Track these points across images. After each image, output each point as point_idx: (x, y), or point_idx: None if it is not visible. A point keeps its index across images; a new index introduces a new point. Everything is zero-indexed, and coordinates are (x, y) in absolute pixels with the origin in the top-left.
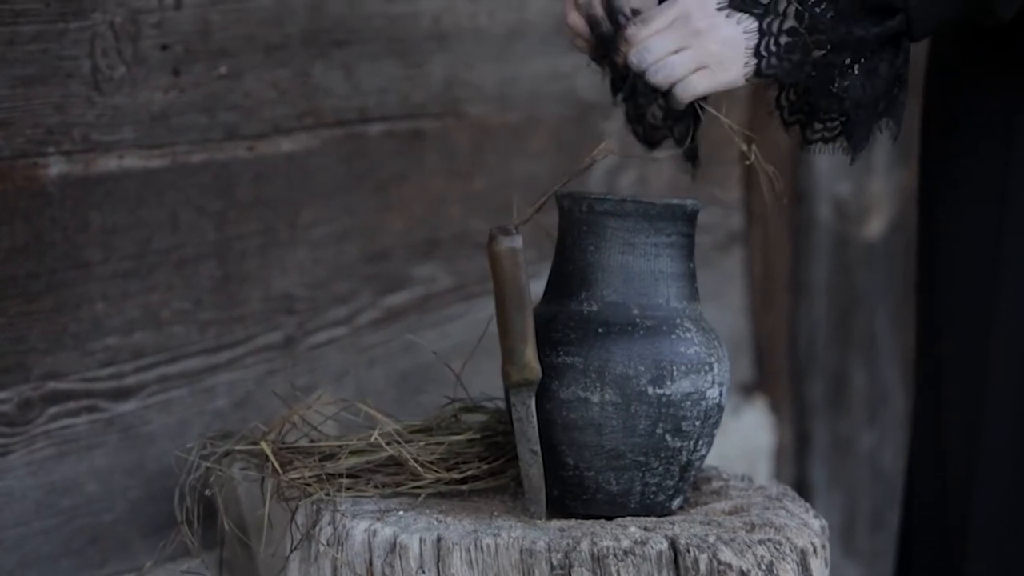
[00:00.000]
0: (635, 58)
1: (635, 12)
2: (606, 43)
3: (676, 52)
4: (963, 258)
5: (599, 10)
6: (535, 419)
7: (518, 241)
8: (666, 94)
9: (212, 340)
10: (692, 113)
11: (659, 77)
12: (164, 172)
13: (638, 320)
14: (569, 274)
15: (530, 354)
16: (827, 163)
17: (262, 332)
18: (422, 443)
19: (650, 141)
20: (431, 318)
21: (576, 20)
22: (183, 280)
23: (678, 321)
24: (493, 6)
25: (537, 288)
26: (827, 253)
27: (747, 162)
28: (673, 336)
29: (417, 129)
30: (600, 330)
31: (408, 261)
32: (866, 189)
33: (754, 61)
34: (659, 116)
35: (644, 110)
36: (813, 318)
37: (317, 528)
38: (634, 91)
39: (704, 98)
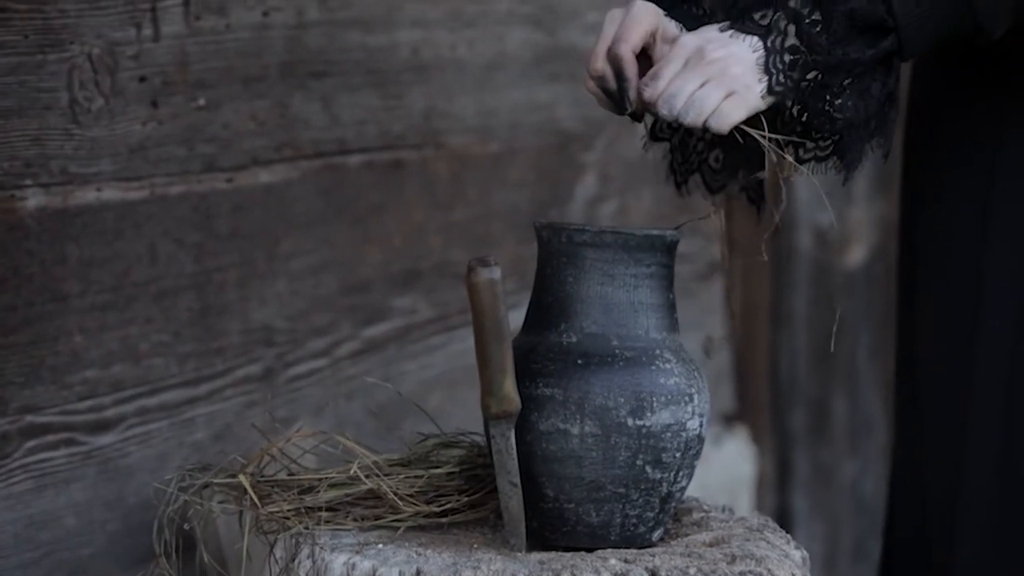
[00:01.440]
0: (664, 109)
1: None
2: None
3: (701, 87)
4: (944, 287)
5: (609, 72)
6: (515, 451)
7: (497, 272)
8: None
9: (191, 372)
10: (741, 146)
11: (691, 116)
12: (142, 204)
13: (618, 351)
14: (548, 305)
15: (509, 386)
16: (808, 192)
17: (241, 364)
18: (401, 476)
19: (712, 187)
20: (411, 349)
21: (592, 87)
22: (162, 312)
23: (658, 352)
24: (472, 37)
25: (516, 319)
26: (808, 282)
27: (786, 175)
28: (653, 367)
29: (396, 160)
30: (579, 361)
31: (388, 292)
32: (847, 218)
33: (765, 78)
34: (720, 160)
35: (705, 156)
36: (794, 347)
37: (296, 561)
38: (683, 141)
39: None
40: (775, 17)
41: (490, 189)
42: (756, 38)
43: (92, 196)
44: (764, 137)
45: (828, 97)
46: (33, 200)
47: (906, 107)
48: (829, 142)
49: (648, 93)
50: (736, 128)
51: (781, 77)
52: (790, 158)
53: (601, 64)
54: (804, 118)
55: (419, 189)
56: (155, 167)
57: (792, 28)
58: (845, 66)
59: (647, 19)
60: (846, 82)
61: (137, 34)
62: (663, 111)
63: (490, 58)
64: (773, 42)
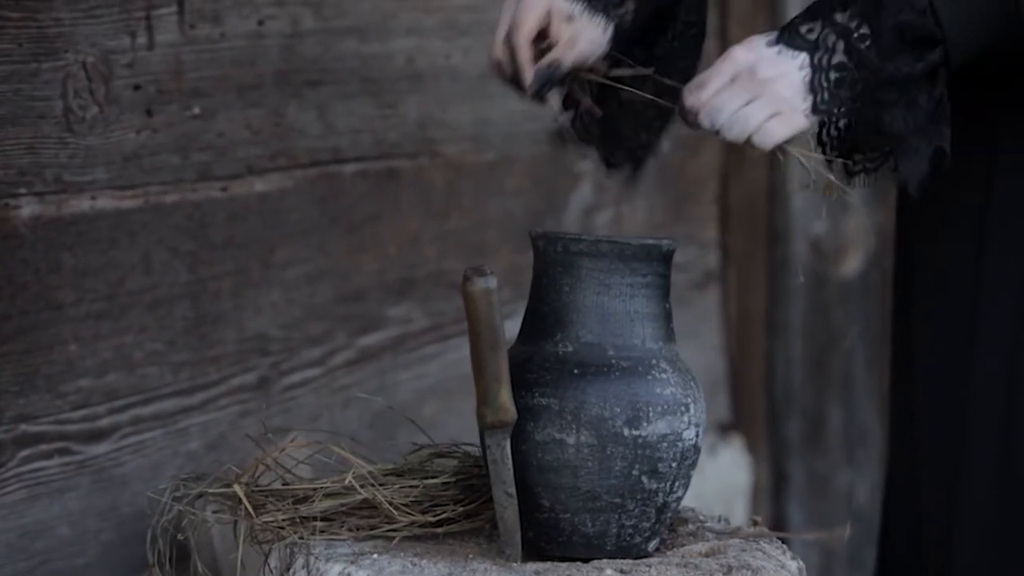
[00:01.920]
0: (706, 120)
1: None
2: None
3: (746, 104)
4: (941, 297)
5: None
6: (510, 461)
7: (492, 282)
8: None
9: (185, 382)
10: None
11: (734, 133)
12: (137, 213)
13: (614, 361)
14: (544, 314)
15: (505, 395)
16: (802, 202)
17: (236, 373)
18: (396, 486)
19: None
20: (406, 359)
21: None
22: (156, 321)
23: (654, 362)
24: (467, 45)
25: (512, 328)
26: (803, 292)
27: (831, 195)
28: (649, 377)
29: (391, 169)
30: (575, 371)
31: (383, 301)
32: (842, 228)
33: (810, 97)
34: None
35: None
36: (789, 357)
37: (291, 571)
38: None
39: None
40: (823, 33)
41: (485, 198)
42: (804, 55)
43: (86, 205)
44: (808, 157)
45: (876, 112)
46: (27, 209)
47: None
48: (878, 154)
49: (691, 101)
50: (779, 147)
51: (826, 95)
52: (833, 178)
53: (499, 52)
54: (851, 132)
55: (414, 198)
56: (150, 176)
57: (841, 44)
58: (897, 81)
59: (539, 4)
60: (893, 97)
61: (132, 42)
62: (704, 122)
63: (485, 67)
64: (820, 59)
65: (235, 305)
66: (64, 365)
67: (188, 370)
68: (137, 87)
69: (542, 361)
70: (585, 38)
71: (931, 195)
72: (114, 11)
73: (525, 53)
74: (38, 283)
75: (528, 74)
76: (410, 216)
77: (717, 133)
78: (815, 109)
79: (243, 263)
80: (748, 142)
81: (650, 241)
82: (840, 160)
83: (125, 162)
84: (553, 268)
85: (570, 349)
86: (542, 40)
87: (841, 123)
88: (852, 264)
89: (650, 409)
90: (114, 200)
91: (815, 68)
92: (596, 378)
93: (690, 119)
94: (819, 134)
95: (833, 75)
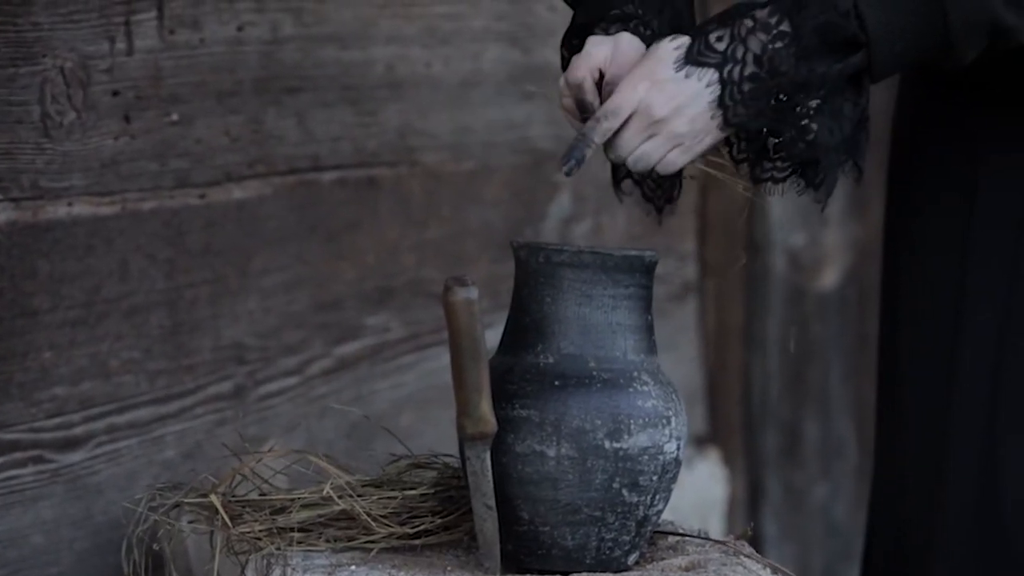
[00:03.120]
0: (612, 155)
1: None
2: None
3: (645, 141)
4: (925, 306)
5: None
6: (490, 473)
7: (474, 292)
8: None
9: (161, 390)
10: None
11: (639, 167)
12: (114, 220)
13: (595, 373)
14: (525, 325)
15: (485, 406)
16: (781, 214)
17: (212, 382)
18: (375, 497)
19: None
20: (383, 368)
21: (569, 105)
22: (132, 329)
23: (635, 374)
24: (448, 54)
25: (490, 338)
26: (781, 304)
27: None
28: (630, 389)
29: (370, 177)
30: (556, 383)
31: (360, 310)
32: (820, 240)
33: (720, 113)
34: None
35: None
36: (767, 370)
37: None
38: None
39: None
40: (731, 45)
41: (464, 207)
42: (712, 71)
43: (63, 211)
44: (706, 165)
45: (797, 118)
46: (3, 214)
47: (890, 132)
48: (787, 163)
49: (598, 137)
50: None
51: (740, 108)
52: (740, 187)
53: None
54: (777, 139)
55: (393, 206)
56: (127, 182)
57: (751, 55)
58: (813, 83)
59: (598, 54)
60: (815, 102)
61: (110, 48)
62: (610, 156)
63: (465, 75)
64: (730, 73)
65: (212, 313)
66: (39, 373)
67: (164, 378)
68: (115, 93)
69: (523, 372)
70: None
71: (916, 207)
72: (93, 16)
73: (590, 86)
74: (13, 289)
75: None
76: (389, 225)
77: (623, 166)
78: (726, 122)
79: (220, 271)
80: (655, 173)
81: (633, 252)
82: (747, 166)
83: (102, 168)
84: (535, 279)
85: (551, 361)
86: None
87: (760, 130)
88: (830, 277)
89: (631, 422)
90: (91, 207)
91: (724, 83)
92: (577, 390)
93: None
94: (739, 140)
95: (746, 86)
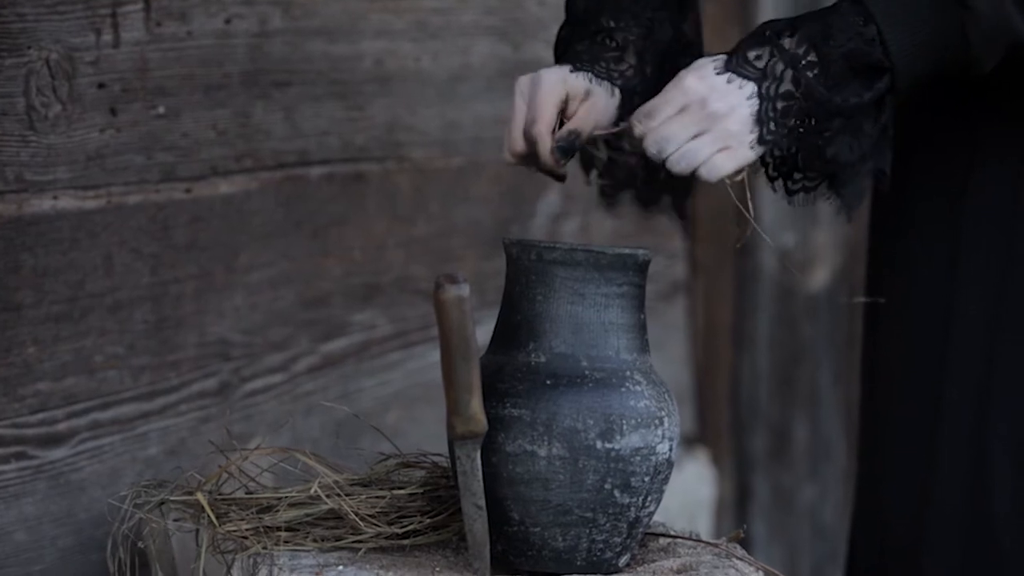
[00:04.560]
0: (654, 148)
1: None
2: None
3: (695, 137)
4: (912, 315)
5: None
6: (480, 472)
7: (465, 289)
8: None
9: (146, 386)
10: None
11: (681, 165)
12: (99, 213)
13: (587, 372)
14: (517, 324)
15: (476, 405)
16: (772, 213)
17: (197, 378)
18: (363, 496)
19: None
20: (369, 365)
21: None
22: (117, 324)
23: (628, 374)
24: (437, 49)
25: (480, 336)
26: (771, 304)
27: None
28: (623, 389)
29: (358, 172)
30: (548, 382)
31: (347, 307)
32: (811, 240)
33: (757, 128)
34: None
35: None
36: (756, 370)
37: None
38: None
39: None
40: (771, 61)
41: (452, 204)
42: (753, 85)
43: (48, 204)
44: (729, 184)
45: (821, 140)
46: None
47: None
48: (817, 174)
49: (639, 129)
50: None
51: (773, 125)
52: (748, 213)
53: (521, 146)
54: (795, 157)
55: (380, 202)
56: (112, 176)
57: (788, 73)
58: (844, 111)
59: (555, 91)
60: (839, 125)
61: (96, 40)
62: (651, 150)
63: (454, 70)
64: (768, 89)
65: (197, 309)
66: (22, 368)
67: (148, 374)
68: (101, 85)
69: (514, 371)
70: (599, 106)
71: (905, 212)
72: (79, 7)
73: (546, 143)
74: None
75: (551, 165)
76: (376, 221)
77: (663, 163)
78: (761, 139)
79: (206, 266)
80: (694, 175)
81: (626, 251)
82: (780, 180)
83: (88, 161)
84: (526, 276)
85: (543, 359)
86: (559, 124)
87: (786, 149)
88: (820, 277)
89: (624, 422)
90: (76, 200)
91: (763, 98)
92: (569, 389)
93: (638, 146)
94: (762, 156)
95: (780, 104)
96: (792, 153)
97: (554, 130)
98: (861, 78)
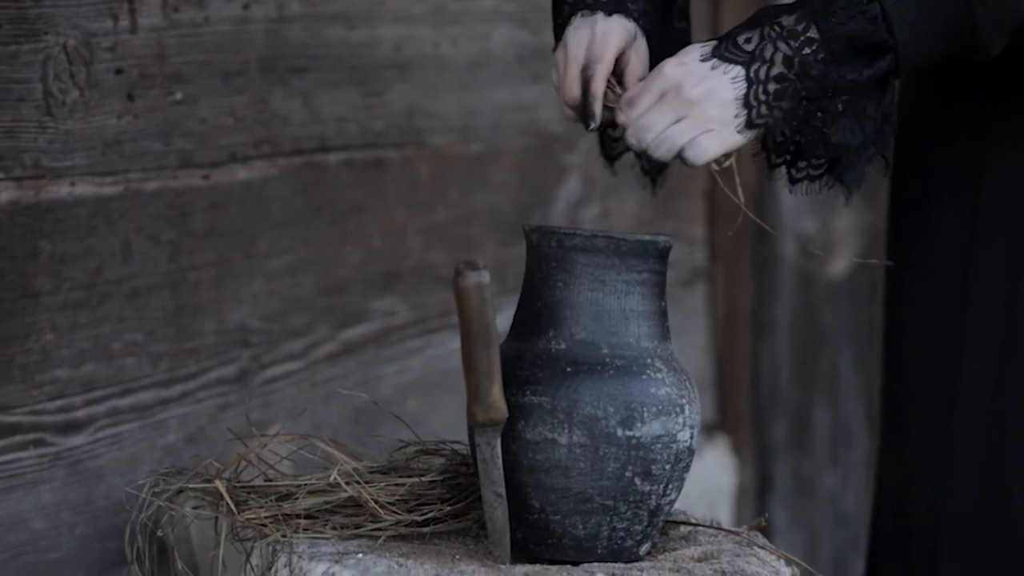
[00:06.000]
0: (633, 139)
1: (617, 83)
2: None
3: (674, 123)
4: (930, 303)
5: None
6: (500, 460)
7: (485, 276)
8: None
9: (164, 373)
10: None
11: (661, 151)
12: (117, 200)
13: (608, 359)
14: (537, 311)
15: (496, 393)
16: (791, 200)
17: (215, 365)
18: (382, 484)
19: (610, 155)
20: (389, 352)
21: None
22: (135, 311)
23: (649, 361)
24: (456, 35)
25: (500, 323)
26: (791, 291)
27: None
28: (644, 376)
29: (377, 159)
30: (568, 369)
31: (366, 294)
32: (831, 226)
33: (744, 112)
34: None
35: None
36: (776, 357)
37: (273, 570)
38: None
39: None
40: (761, 44)
41: (471, 190)
42: (739, 67)
43: (65, 191)
44: (716, 172)
45: (822, 121)
46: (5, 194)
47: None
48: (822, 160)
49: (621, 118)
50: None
51: (763, 109)
52: (737, 199)
53: (577, 91)
54: (798, 139)
55: (399, 189)
56: (130, 162)
57: (779, 55)
58: (842, 88)
59: (616, 37)
60: (840, 106)
61: (114, 25)
62: (631, 141)
63: (473, 56)
64: (756, 72)
65: (215, 296)
66: (40, 355)
67: (167, 361)
68: (119, 71)
69: (534, 358)
70: (642, 49)
71: (922, 199)
72: None
73: (600, 86)
74: (14, 270)
75: (598, 108)
76: (395, 207)
77: (644, 151)
78: (749, 123)
79: (224, 253)
80: (681, 160)
81: (647, 237)
82: (784, 167)
83: (105, 148)
84: (547, 263)
85: (563, 347)
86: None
87: (785, 132)
88: (840, 263)
89: (644, 409)
90: (94, 186)
91: (751, 81)
92: (590, 377)
93: (619, 135)
94: (764, 141)
95: (772, 87)
96: (794, 140)
97: (609, 84)
98: (862, 56)
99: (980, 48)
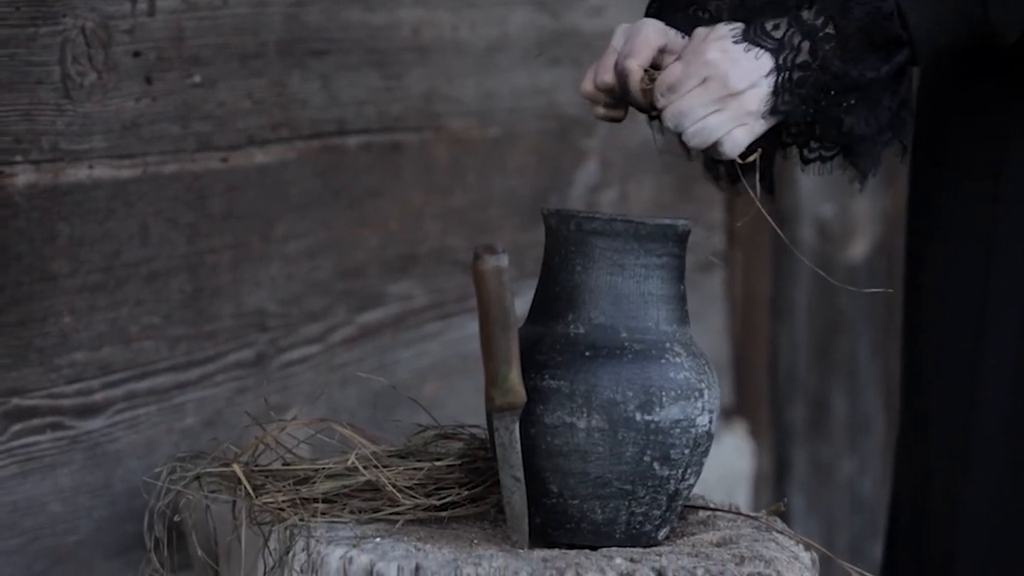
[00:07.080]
0: (672, 122)
1: (654, 67)
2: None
3: (713, 113)
4: (950, 295)
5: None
6: (518, 445)
7: (504, 260)
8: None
9: (182, 356)
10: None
11: (696, 140)
12: (135, 183)
13: (626, 344)
14: (555, 295)
15: (515, 377)
16: (810, 184)
17: (233, 349)
18: (400, 468)
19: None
20: (406, 336)
21: (590, 92)
22: (153, 294)
23: (668, 345)
24: (475, 18)
25: (519, 307)
26: (809, 275)
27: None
28: (663, 361)
29: (395, 142)
30: (587, 353)
31: (384, 278)
32: (849, 211)
33: (772, 99)
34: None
35: None
36: (794, 342)
37: (291, 554)
38: None
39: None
40: (789, 31)
41: (489, 174)
42: (770, 56)
43: (83, 173)
44: (735, 163)
45: (839, 112)
46: (23, 177)
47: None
48: (835, 144)
49: (661, 102)
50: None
51: (787, 96)
52: (753, 193)
53: (609, 76)
54: (812, 127)
55: (417, 173)
56: (148, 145)
57: (806, 44)
58: (861, 85)
59: (656, 37)
60: (856, 99)
61: (132, 8)
62: (670, 124)
63: (492, 40)
64: (785, 59)
65: (233, 279)
66: (58, 338)
67: (185, 345)
68: (137, 54)
69: (553, 342)
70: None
71: (941, 190)
72: None
73: (637, 77)
74: (32, 253)
75: (639, 97)
76: (413, 191)
77: (679, 135)
78: (774, 110)
79: (242, 236)
80: (711, 148)
81: (666, 221)
82: (795, 148)
83: (124, 130)
84: (565, 247)
85: (582, 331)
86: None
87: (804, 119)
88: (859, 248)
89: (663, 394)
90: (112, 169)
91: (780, 69)
92: (608, 361)
93: (654, 115)
94: (786, 126)
95: (796, 75)
96: (809, 123)
97: (646, 71)
98: (879, 52)
99: (997, 35)
